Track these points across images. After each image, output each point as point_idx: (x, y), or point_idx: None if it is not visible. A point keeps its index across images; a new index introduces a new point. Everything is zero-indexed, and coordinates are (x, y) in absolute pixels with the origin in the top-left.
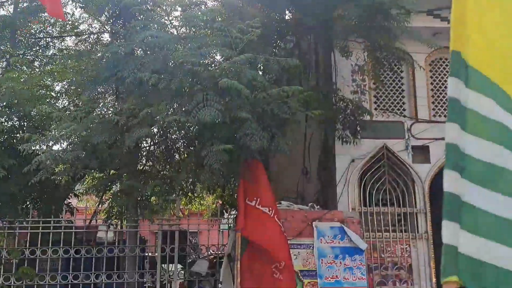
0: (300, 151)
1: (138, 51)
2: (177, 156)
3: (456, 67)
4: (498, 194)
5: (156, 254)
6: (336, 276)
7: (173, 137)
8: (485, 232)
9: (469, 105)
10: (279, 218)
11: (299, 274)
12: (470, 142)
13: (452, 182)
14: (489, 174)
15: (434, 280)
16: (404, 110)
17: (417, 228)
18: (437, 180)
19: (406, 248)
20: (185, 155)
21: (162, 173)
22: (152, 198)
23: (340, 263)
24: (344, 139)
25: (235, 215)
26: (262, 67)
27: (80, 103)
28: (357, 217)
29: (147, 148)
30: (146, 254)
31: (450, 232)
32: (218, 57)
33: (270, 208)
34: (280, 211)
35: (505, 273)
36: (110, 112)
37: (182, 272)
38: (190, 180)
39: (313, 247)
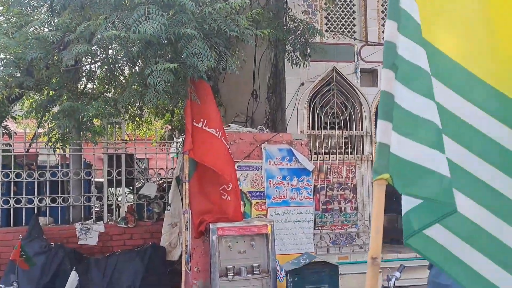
0: (250, 74)
1: None
2: (120, 76)
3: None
4: (417, 95)
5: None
6: (284, 196)
7: (114, 55)
8: (410, 132)
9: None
10: (226, 140)
11: (248, 195)
12: (402, 41)
13: (388, 81)
14: (413, 75)
15: None
16: (354, 32)
17: (362, 150)
18: None
19: (351, 169)
20: (129, 75)
21: (104, 94)
22: (95, 120)
23: (288, 183)
24: (294, 61)
25: (183, 139)
26: None
27: (11, 17)
28: (305, 139)
29: (88, 67)
30: (92, 178)
31: (384, 131)
32: None
33: (217, 130)
34: (229, 134)
35: (426, 172)
36: (45, 29)
37: (130, 195)
38: (137, 104)
39: (261, 169)
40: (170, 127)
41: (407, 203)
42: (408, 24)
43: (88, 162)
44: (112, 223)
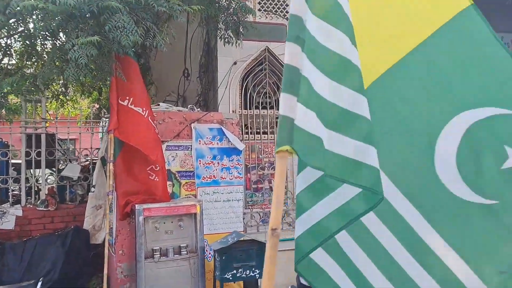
0: (181, 52)
1: None
2: (40, 51)
3: None
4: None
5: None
6: (214, 176)
7: (33, 28)
8: (314, 105)
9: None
10: (154, 119)
11: (177, 175)
12: (310, 17)
13: (293, 55)
14: (319, 52)
15: None
16: (287, 12)
17: None
18: None
19: None
20: (49, 49)
21: (23, 70)
22: (10, 96)
23: (218, 163)
24: (227, 40)
25: (108, 118)
26: None
27: None
28: (236, 119)
29: (4, 40)
30: (8, 159)
31: (287, 104)
32: None
33: (144, 109)
34: (158, 113)
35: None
36: None
37: (52, 177)
38: (61, 81)
39: (191, 148)
40: (97, 106)
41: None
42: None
43: (5, 142)
44: (31, 206)
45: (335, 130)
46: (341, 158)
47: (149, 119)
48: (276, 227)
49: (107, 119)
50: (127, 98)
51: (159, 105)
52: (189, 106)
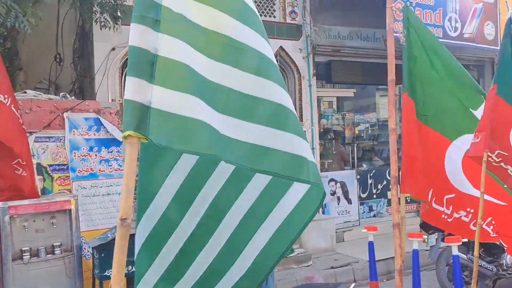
0: (53, 36)
1: None
2: None
3: None
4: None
5: None
6: (91, 168)
7: None
8: (177, 84)
9: None
10: (18, 108)
11: (48, 169)
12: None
13: (140, 37)
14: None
15: None
16: None
17: None
18: None
19: None
20: None
21: None
22: None
23: (96, 155)
24: (103, 24)
25: None
26: None
27: None
28: (115, 108)
29: None
30: None
31: (134, 88)
32: None
33: (6, 97)
34: (24, 101)
35: (192, 122)
36: None
37: None
38: None
39: (64, 140)
40: None
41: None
42: None
43: None
44: None
45: (236, 116)
46: (247, 145)
47: (12, 107)
48: (126, 217)
49: None
50: None
51: (26, 92)
52: (61, 94)
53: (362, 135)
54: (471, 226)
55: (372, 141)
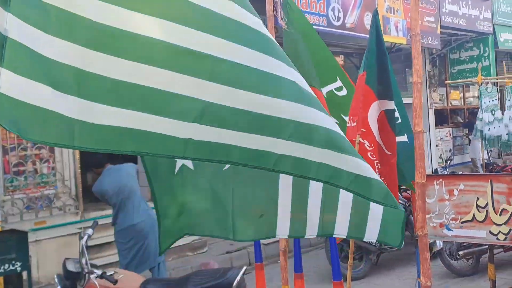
0: None
1: None
2: None
3: None
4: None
5: None
6: None
7: None
8: (27, 71)
9: None
10: None
11: None
12: None
13: None
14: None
15: (77, 157)
16: None
17: None
18: None
19: None
20: None
21: None
22: None
23: None
24: None
25: None
26: None
27: None
28: None
29: None
30: None
31: None
32: None
33: None
34: None
35: (43, 112)
36: None
37: None
38: None
39: None
40: None
41: None
42: None
43: None
44: None
45: (101, 101)
46: (109, 129)
47: None
48: None
49: None
50: None
51: None
52: None
53: None
54: None
55: None
